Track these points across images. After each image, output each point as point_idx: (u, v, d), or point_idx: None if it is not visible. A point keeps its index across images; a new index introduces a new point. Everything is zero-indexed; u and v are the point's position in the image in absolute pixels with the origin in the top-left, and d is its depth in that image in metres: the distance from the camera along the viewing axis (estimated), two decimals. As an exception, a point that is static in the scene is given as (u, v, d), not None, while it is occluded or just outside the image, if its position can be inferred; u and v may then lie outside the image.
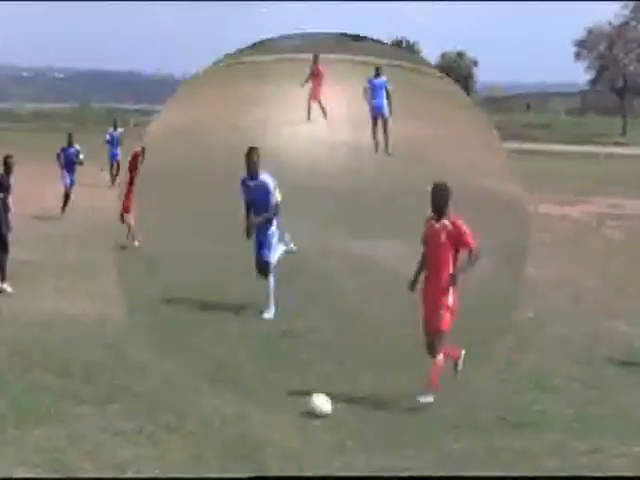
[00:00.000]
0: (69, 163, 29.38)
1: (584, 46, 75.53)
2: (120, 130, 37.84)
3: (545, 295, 19.43)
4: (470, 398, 12.96)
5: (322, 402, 12.06)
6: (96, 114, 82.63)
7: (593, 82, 78.17)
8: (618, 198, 35.09)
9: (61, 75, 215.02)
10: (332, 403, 12.12)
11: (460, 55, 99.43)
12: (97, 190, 32.68)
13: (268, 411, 12.12)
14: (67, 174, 29.23)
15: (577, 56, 75.89)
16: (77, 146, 29.66)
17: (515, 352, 15.29)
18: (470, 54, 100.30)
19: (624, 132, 71.52)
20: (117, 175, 35.86)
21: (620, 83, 74.93)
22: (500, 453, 11.13)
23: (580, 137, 67.38)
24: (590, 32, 75.25)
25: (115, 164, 37.02)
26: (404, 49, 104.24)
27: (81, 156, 29.50)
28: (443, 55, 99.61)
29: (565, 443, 11.46)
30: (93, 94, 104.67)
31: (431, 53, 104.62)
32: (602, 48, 75.16)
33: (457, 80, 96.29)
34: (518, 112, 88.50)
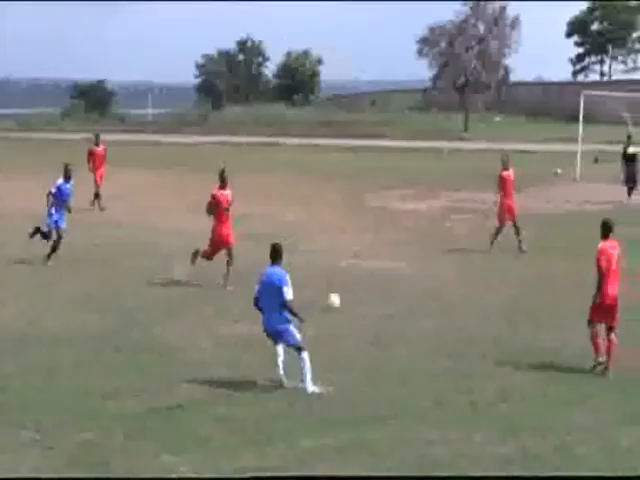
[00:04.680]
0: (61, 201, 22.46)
1: (426, 43, 76.61)
2: None
3: (406, 290, 19.63)
4: (329, 393, 13.02)
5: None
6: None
7: (435, 79, 79.34)
8: (463, 192, 35.73)
9: None
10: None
11: (305, 53, 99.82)
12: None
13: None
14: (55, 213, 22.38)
15: (419, 53, 76.95)
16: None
17: (381, 346, 15.51)
18: (315, 52, 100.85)
19: (466, 128, 72.95)
20: None
21: (461, 80, 76.31)
22: (352, 447, 11.28)
23: (424, 133, 68.36)
24: (432, 29, 76.41)
25: None
26: (249, 48, 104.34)
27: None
28: (288, 54, 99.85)
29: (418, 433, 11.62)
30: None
31: (276, 52, 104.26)
32: (443, 45, 76.40)
33: (301, 79, 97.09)
34: (363, 110, 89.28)
